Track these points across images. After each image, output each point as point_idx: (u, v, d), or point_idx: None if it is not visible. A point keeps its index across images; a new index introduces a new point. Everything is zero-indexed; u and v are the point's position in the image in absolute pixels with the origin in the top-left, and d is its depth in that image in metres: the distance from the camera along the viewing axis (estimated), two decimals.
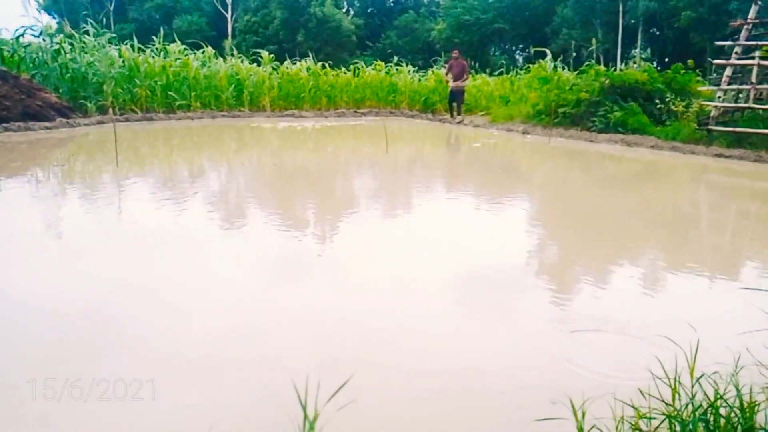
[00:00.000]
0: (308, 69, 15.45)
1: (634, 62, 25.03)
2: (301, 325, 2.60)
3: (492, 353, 2.39)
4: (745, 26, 9.04)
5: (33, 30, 12.62)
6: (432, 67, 19.56)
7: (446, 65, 14.80)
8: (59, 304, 2.72)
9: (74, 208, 4.84)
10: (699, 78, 12.23)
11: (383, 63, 17.42)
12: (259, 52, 15.61)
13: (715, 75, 9.88)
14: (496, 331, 2.62)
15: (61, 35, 12.23)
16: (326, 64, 16.18)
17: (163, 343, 2.40)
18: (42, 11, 51.51)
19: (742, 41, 9.01)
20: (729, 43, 9.33)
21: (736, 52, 9.06)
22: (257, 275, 3.28)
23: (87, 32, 12.67)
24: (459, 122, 13.99)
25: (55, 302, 2.75)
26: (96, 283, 3.01)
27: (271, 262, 3.55)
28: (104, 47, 12.50)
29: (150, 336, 2.46)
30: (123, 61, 12.45)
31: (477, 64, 23.58)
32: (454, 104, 14.31)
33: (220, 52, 18.20)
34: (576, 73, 14.17)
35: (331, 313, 2.74)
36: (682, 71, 11.01)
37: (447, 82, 14.41)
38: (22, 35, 12.36)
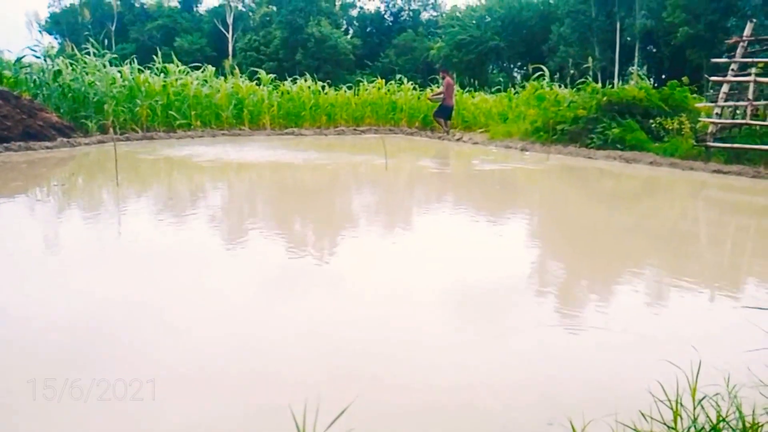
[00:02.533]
0: (308, 88, 15.56)
1: (632, 79, 25.20)
2: (302, 338, 2.61)
3: (491, 370, 2.39)
4: (741, 43, 9.12)
5: (34, 51, 12.74)
6: (432, 85, 19.67)
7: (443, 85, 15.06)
8: (59, 321, 2.72)
9: (74, 227, 4.85)
10: (696, 94, 12.32)
11: (383, 81, 17.54)
12: (257, 71, 15.74)
13: (712, 91, 9.95)
14: (495, 347, 2.62)
15: (63, 56, 12.35)
16: (326, 84, 16.30)
17: (161, 357, 2.41)
18: (44, 32, 52.18)
19: (738, 58, 9.09)
20: (725, 60, 9.41)
21: (732, 69, 9.13)
22: (258, 290, 3.29)
23: (88, 52, 12.78)
24: (446, 136, 14.41)
25: (54, 318, 2.75)
26: (96, 299, 3.02)
27: (272, 277, 3.56)
28: (105, 67, 12.61)
29: (148, 350, 2.46)
30: (124, 81, 12.54)
31: (476, 82, 23.75)
32: (442, 120, 14.81)
33: (221, 71, 18.36)
34: (573, 89, 14.32)
35: (331, 327, 2.75)
36: (678, 88, 11.08)
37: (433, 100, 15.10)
38: (24, 56, 12.50)
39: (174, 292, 3.24)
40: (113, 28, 50.60)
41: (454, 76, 15.75)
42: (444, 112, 14.74)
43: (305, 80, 15.94)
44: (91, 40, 13.31)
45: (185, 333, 2.65)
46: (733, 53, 9.25)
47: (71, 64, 12.21)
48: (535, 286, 3.61)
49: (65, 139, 10.04)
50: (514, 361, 2.47)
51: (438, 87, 16.51)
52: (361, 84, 16.91)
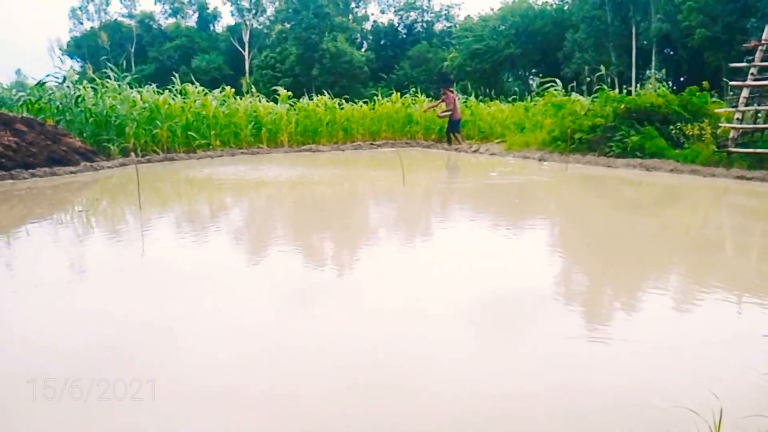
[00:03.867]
0: (325, 104, 15.71)
1: (650, 83, 24.96)
2: (321, 352, 2.69)
3: (510, 380, 2.42)
4: (760, 47, 9.01)
5: (56, 78, 13.06)
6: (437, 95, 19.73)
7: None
8: (80, 341, 2.80)
9: (98, 251, 4.93)
10: (716, 98, 12.17)
11: (399, 94, 17.65)
12: (276, 89, 15.94)
13: (732, 94, 9.83)
14: (517, 358, 2.64)
15: (84, 79, 12.62)
16: (342, 100, 16.44)
17: (180, 372, 2.50)
18: (66, 56, 53.45)
19: (757, 62, 8.97)
20: (744, 64, 9.29)
21: (752, 73, 9.01)
22: (280, 305, 3.39)
23: (108, 76, 13.04)
24: (462, 147, 14.70)
25: (76, 339, 2.82)
26: (118, 320, 3.10)
27: (293, 292, 3.68)
28: (125, 90, 12.85)
29: (170, 365, 2.53)
30: (144, 104, 12.77)
31: (491, 92, 23.75)
32: (456, 134, 15.21)
33: (238, 89, 18.63)
34: (591, 96, 14.26)
35: (352, 339, 2.83)
36: (697, 93, 10.96)
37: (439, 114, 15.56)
38: (44, 83, 12.81)
39: (198, 311, 3.29)
40: (132, 50, 51.65)
41: (454, 89, 16.46)
42: (454, 126, 15.15)
43: (321, 97, 16.09)
44: (110, 65, 13.58)
45: (209, 350, 2.69)
46: (752, 57, 9.13)
47: (93, 89, 12.47)
48: (559, 297, 3.59)
49: (88, 164, 10.24)
50: (536, 371, 2.49)
51: (435, 100, 16.68)
52: (376, 98, 17.02)
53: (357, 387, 2.37)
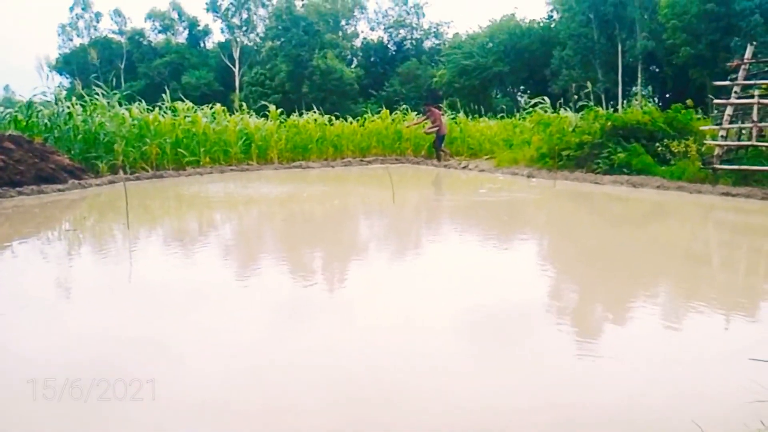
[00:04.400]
0: (315, 121, 15.76)
1: (636, 100, 25.32)
2: (316, 368, 2.73)
3: (505, 395, 2.46)
4: (743, 66, 9.18)
5: (45, 96, 12.99)
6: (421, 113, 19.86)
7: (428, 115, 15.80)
8: (70, 358, 2.76)
9: (84, 270, 4.89)
10: (700, 116, 12.35)
11: (388, 111, 17.76)
12: (266, 106, 16.00)
13: (716, 112, 9.98)
14: (511, 372, 2.69)
15: (73, 98, 12.58)
16: (332, 117, 16.51)
17: (175, 389, 2.53)
18: (55, 72, 53.30)
19: (740, 80, 9.13)
20: (727, 83, 9.45)
21: (735, 92, 9.17)
22: (272, 322, 3.43)
23: (97, 94, 12.98)
24: (451, 164, 14.99)
25: (66, 356, 2.78)
26: (107, 338, 3.13)
27: (284, 309, 3.70)
28: (113, 108, 12.80)
29: (160, 381, 2.55)
30: (133, 121, 12.74)
31: (480, 108, 23.95)
32: (443, 149, 15.59)
33: (228, 105, 18.67)
34: (578, 113, 14.43)
35: (346, 354, 2.88)
36: (683, 110, 11.12)
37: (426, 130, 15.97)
38: (32, 102, 12.76)
39: (188, 328, 3.28)
40: (122, 66, 51.66)
41: (442, 105, 17.00)
42: (441, 141, 15.46)
43: (311, 114, 16.16)
44: (99, 82, 13.55)
45: (201, 367, 2.70)
46: (735, 75, 9.30)
47: (82, 106, 12.43)
48: (549, 312, 3.64)
49: (77, 181, 10.18)
50: (529, 386, 2.53)
51: (420, 116, 16.83)
52: (366, 115, 17.11)
53: (349, 401, 2.41)
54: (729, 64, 9.64)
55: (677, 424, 2.15)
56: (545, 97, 17.02)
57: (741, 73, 9.16)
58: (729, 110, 9.21)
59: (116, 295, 4.11)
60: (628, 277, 4.49)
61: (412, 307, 3.65)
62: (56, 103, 12.16)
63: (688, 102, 11.26)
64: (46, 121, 11.90)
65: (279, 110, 16.15)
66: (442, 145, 15.47)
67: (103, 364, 2.81)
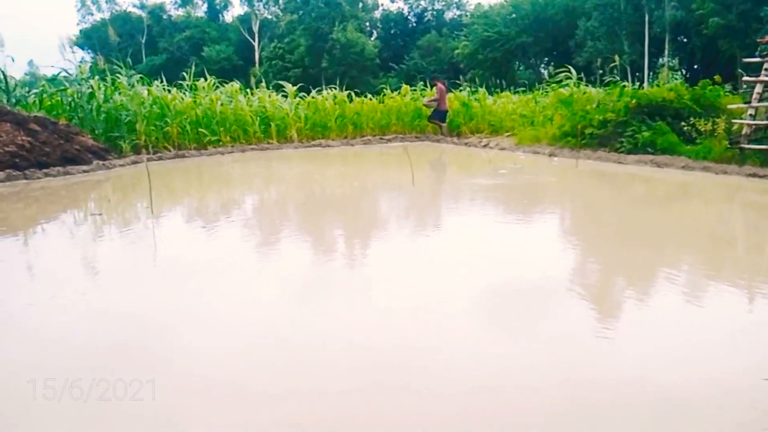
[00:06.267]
0: (334, 98, 15.68)
1: (663, 73, 24.68)
2: (338, 348, 2.88)
3: (523, 369, 2.62)
4: None
5: (69, 74, 13.09)
6: (458, 87, 19.59)
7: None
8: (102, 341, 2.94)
9: (109, 252, 5.00)
10: (729, 90, 12.02)
11: (408, 87, 17.59)
12: (283, 84, 15.93)
13: (746, 87, 9.70)
14: (532, 351, 2.82)
15: (96, 78, 12.65)
16: (352, 93, 16.40)
17: (197, 365, 2.71)
18: (76, 47, 53.62)
19: None
20: (757, 59, 9.16)
21: (765, 68, 8.89)
22: (293, 300, 3.66)
23: (119, 73, 12.99)
24: (465, 142, 15.00)
25: (98, 338, 2.95)
26: (131, 316, 3.31)
27: (308, 289, 3.94)
28: (133, 87, 12.83)
29: (181, 359, 2.76)
30: (153, 100, 12.79)
31: (502, 82, 23.59)
32: (439, 123, 15.64)
33: (248, 79, 18.61)
34: (603, 87, 14.14)
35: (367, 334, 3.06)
36: (710, 87, 10.82)
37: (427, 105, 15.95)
38: (56, 78, 12.89)
39: (209, 306, 3.50)
40: (143, 41, 51.82)
41: (447, 83, 16.95)
42: (438, 115, 15.48)
43: (330, 90, 16.08)
44: (117, 62, 13.58)
45: (221, 345, 2.85)
46: (766, 53, 9.00)
47: (104, 86, 12.50)
48: (570, 291, 3.79)
49: (101, 162, 10.33)
50: (548, 364, 2.66)
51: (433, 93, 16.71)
52: (384, 91, 16.97)
53: (369, 381, 2.53)
54: (759, 39, 9.33)
55: (696, 402, 2.26)
56: (571, 68, 16.65)
57: None
58: (758, 88, 8.95)
59: (141, 276, 4.25)
60: (650, 256, 4.55)
61: (431, 287, 3.81)
62: (79, 83, 12.24)
63: (716, 78, 10.94)
64: (69, 100, 12.02)
65: (298, 85, 16.09)
66: (444, 120, 15.57)
67: (125, 341, 3.02)
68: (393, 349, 2.83)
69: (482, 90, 17.72)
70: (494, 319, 3.30)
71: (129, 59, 13.86)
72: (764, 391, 2.35)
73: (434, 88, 15.94)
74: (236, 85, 14.70)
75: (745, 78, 9.31)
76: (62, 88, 12.32)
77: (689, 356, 2.70)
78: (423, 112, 16.40)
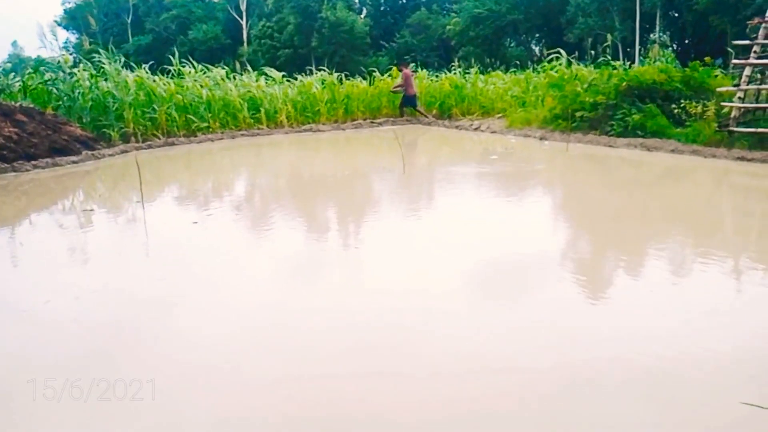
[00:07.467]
0: (322, 82, 15.55)
1: (653, 50, 24.57)
2: (334, 329, 3.08)
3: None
4: (764, 24, 8.86)
5: (52, 64, 12.87)
6: (450, 68, 19.43)
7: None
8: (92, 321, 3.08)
9: (100, 243, 4.99)
10: (719, 68, 12.01)
11: (397, 68, 17.42)
12: (269, 71, 15.75)
13: (734, 69, 9.71)
14: (525, 331, 3.01)
15: (81, 65, 12.44)
16: (342, 75, 16.26)
17: (191, 346, 2.91)
18: (60, 28, 52.64)
19: (760, 39, 8.84)
20: (747, 42, 9.15)
21: (755, 51, 8.89)
22: (290, 281, 3.89)
23: (101, 60, 12.70)
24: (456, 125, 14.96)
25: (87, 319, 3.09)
26: (127, 299, 3.58)
27: (302, 268, 4.21)
28: (119, 72, 12.61)
29: (175, 339, 2.97)
30: (138, 86, 12.58)
31: (494, 61, 23.42)
32: (406, 108, 15.74)
33: (236, 59, 18.31)
34: (594, 66, 14.11)
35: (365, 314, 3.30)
36: (700, 67, 10.82)
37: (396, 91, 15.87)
38: (44, 61, 12.69)
39: (201, 289, 3.76)
40: (129, 21, 50.89)
41: (412, 66, 17.30)
42: (408, 101, 15.45)
43: (319, 74, 15.93)
44: (101, 44, 13.31)
45: (214, 330, 3.05)
46: (755, 35, 8.99)
47: (89, 72, 12.29)
48: (561, 269, 4.06)
49: (90, 152, 10.24)
50: (542, 342, 2.85)
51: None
52: (374, 74, 16.82)
53: (363, 359, 2.71)
54: (749, 21, 9.30)
55: (692, 375, 2.46)
56: (561, 51, 16.58)
57: (762, 32, 8.85)
58: (747, 71, 8.96)
59: (137, 261, 4.49)
60: (640, 237, 4.77)
61: (424, 269, 4.01)
62: (63, 71, 12.05)
63: (707, 60, 10.93)
64: (55, 88, 11.84)
65: (287, 68, 15.94)
66: (415, 104, 15.54)
67: (122, 323, 3.22)
68: (387, 331, 3.01)
69: (474, 69, 17.60)
70: (487, 300, 3.51)
71: (114, 40, 13.59)
72: (755, 366, 2.52)
73: (401, 73, 15.71)
74: (222, 71, 14.47)
75: (734, 61, 9.31)
76: (48, 79, 12.10)
77: (678, 332, 2.90)
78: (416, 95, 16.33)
